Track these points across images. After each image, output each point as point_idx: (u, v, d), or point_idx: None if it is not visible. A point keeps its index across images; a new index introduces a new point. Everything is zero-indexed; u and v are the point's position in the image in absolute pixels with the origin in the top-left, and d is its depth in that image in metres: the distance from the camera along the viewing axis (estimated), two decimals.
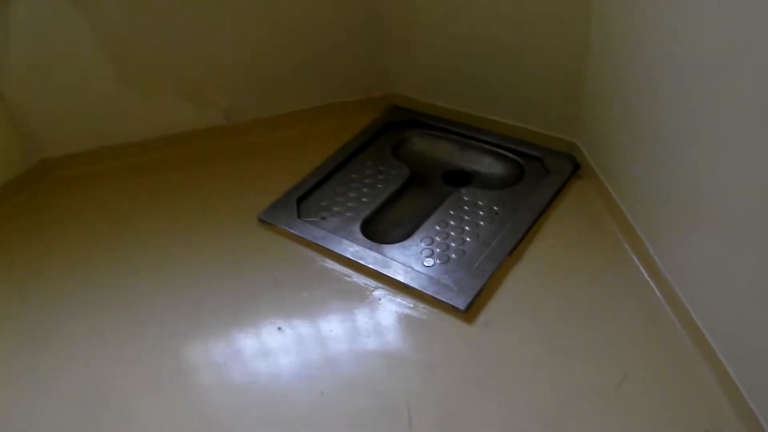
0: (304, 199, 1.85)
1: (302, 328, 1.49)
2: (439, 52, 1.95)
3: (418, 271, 1.57)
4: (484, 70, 1.89)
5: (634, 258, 1.56)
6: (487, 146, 1.97)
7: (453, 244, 1.65)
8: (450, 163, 2.00)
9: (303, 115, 2.12)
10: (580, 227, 1.68)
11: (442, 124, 2.06)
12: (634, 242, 1.58)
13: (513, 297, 1.51)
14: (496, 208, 1.75)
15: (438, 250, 1.64)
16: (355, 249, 1.65)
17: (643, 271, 1.53)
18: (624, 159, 1.63)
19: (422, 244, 1.66)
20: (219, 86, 2.02)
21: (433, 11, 1.88)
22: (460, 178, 1.95)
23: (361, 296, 1.55)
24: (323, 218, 1.78)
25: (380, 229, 1.77)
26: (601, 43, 1.61)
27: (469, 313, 1.48)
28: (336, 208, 1.81)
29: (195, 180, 1.99)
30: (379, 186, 1.86)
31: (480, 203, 1.76)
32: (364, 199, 1.83)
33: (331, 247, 1.67)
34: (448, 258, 1.61)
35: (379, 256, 1.62)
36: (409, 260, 1.61)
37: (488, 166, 1.95)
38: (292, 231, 1.73)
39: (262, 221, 1.79)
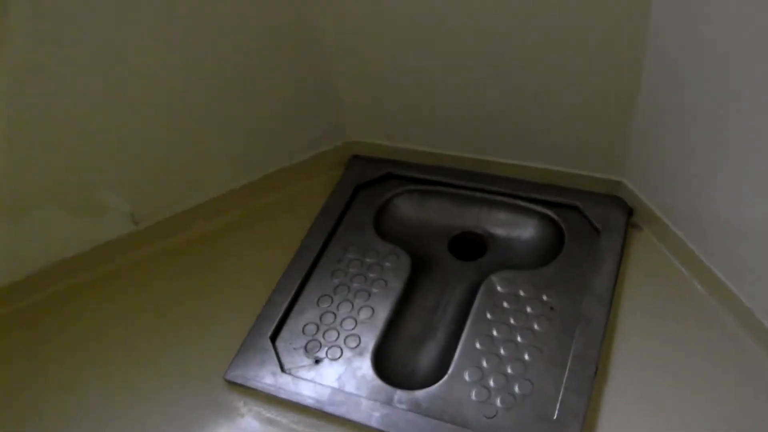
0: (279, 333, 1.32)
1: None
2: (408, 79, 1.42)
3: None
4: (480, 98, 1.38)
5: (749, 337, 1.17)
6: (498, 197, 1.49)
7: (511, 371, 1.19)
8: (453, 226, 1.51)
9: (239, 195, 1.55)
10: (665, 306, 1.26)
11: (427, 174, 1.55)
12: (738, 312, 1.19)
13: None
14: (546, 298, 1.29)
15: (494, 384, 1.17)
16: (381, 412, 1.16)
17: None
18: (697, 194, 1.22)
19: (469, 379, 1.19)
20: (116, 182, 1.41)
21: (395, 21, 1.33)
22: (472, 246, 1.48)
23: None
24: (317, 361, 1.26)
25: (399, 361, 1.28)
26: (664, 44, 1.14)
27: None
28: (329, 339, 1.29)
29: (104, 322, 1.40)
30: (374, 291, 1.35)
31: (522, 294, 1.30)
32: (361, 316, 1.32)
33: (346, 415, 1.17)
34: (514, 397, 1.15)
35: (419, 419, 1.14)
36: (461, 412, 1.14)
37: (506, 224, 1.48)
38: (281, 395, 1.21)
39: (231, 383, 1.25)
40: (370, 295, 1.35)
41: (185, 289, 1.43)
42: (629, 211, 1.38)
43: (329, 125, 1.56)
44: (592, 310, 1.24)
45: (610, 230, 1.35)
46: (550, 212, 1.42)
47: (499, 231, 1.47)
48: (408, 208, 1.54)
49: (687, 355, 1.17)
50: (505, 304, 1.29)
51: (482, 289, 1.32)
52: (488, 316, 1.28)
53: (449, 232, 1.50)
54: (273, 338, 1.30)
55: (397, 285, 1.35)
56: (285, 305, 1.34)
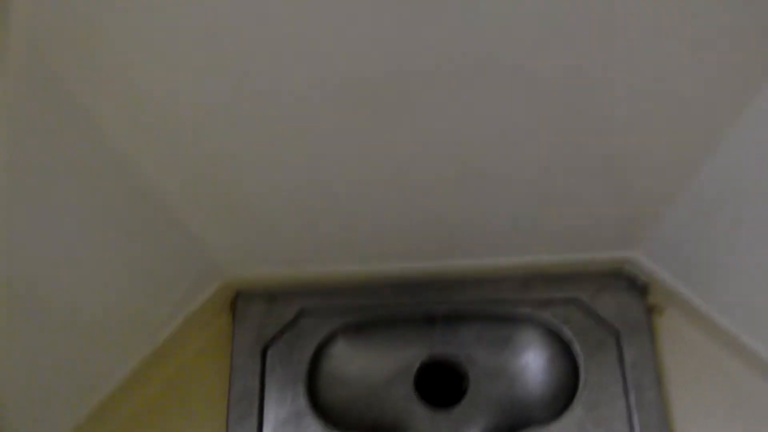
0: None
1: None
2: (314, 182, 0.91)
3: None
4: (431, 204, 0.93)
5: None
6: (465, 306, 1.08)
7: None
8: (413, 357, 1.09)
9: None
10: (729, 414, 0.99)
11: (360, 298, 1.08)
12: None
13: None
14: None
15: None
16: None
17: None
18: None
19: None
20: None
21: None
22: (448, 381, 1.08)
23: None
24: None
25: None
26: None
27: None
28: None
29: None
30: None
31: None
32: None
33: None
34: None
35: None
36: None
37: (484, 342, 1.08)
38: None
39: None
40: None
41: None
42: (643, 290, 1.05)
43: (197, 271, 1.01)
44: None
45: (631, 329, 1.02)
46: (543, 313, 1.05)
47: (478, 352, 1.08)
48: (349, 356, 1.08)
49: None
50: None
51: None
52: None
53: (409, 367, 1.08)
54: None
55: None
56: None
